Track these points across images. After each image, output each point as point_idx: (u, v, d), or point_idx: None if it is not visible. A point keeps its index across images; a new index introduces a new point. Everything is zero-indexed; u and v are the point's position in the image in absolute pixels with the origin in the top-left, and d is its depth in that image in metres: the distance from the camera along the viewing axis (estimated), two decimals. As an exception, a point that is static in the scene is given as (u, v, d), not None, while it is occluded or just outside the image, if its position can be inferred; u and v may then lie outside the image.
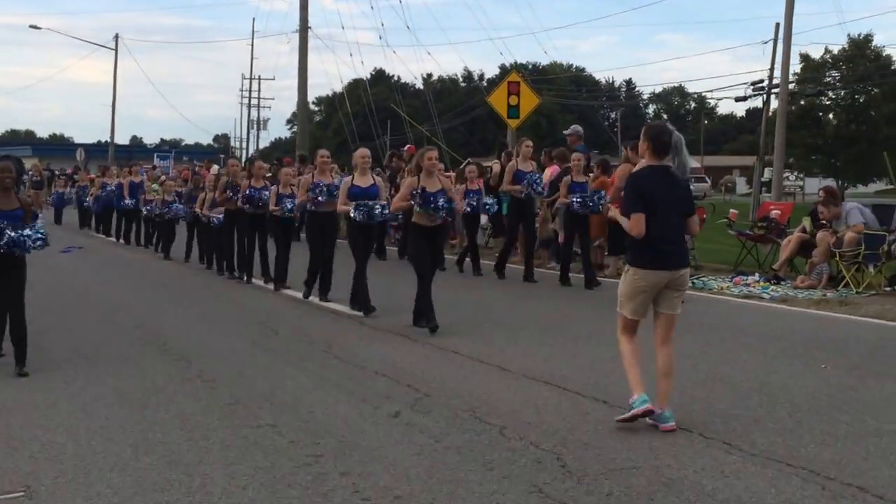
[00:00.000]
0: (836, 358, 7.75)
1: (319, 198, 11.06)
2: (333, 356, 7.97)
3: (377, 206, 10.19)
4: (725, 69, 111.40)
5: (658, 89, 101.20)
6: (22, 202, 7.40)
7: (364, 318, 9.89)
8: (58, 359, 7.80)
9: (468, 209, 13.44)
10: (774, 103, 52.71)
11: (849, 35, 51.59)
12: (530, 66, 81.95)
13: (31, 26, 51.15)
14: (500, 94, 21.18)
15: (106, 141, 63.52)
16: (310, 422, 5.81)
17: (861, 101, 52.80)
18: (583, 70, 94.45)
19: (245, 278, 13.39)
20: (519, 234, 13.91)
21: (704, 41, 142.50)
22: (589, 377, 7.00)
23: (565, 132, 15.83)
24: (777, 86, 43.86)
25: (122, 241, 21.46)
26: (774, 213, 14.39)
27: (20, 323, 7.27)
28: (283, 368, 7.50)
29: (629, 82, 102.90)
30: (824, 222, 12.79)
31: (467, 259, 14.30)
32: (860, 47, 51.73)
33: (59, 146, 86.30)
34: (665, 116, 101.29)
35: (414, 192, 8.99)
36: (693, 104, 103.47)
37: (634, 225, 5.60)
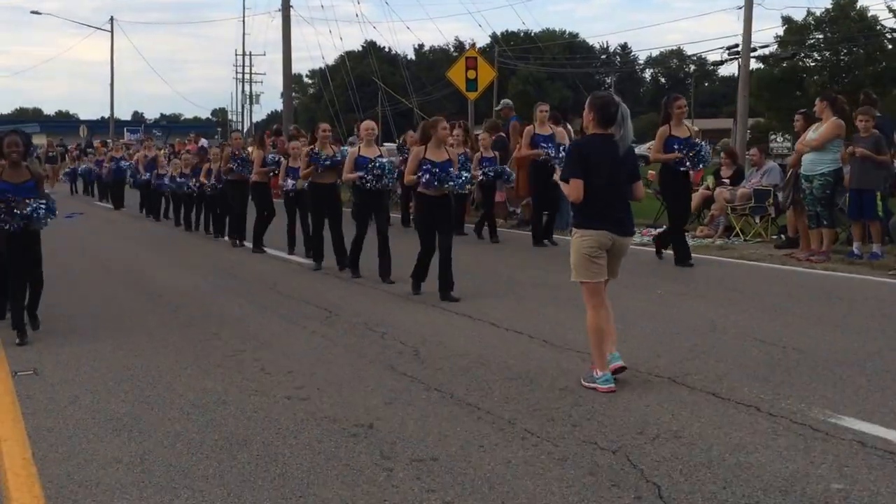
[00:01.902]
0: (670, 284, 9.85)
1: (318, 170, 11.32)
2: (277, 292, 10.13)
3: (386, 166, 10.33)
4: (730, 29, 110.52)
5: (655, 53, 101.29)
6: (33, 173, 7.71)
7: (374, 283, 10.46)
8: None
9: (483, 177, 13.93)
10: (754, 66, 54.29)
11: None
12: (521, 34, 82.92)
13: (33, 12, 53.63)
14: (458, 68, 23.14)
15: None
16: (243, 332, 7.98)
17: (844, 62, 54.12)
18: (576, 36, 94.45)
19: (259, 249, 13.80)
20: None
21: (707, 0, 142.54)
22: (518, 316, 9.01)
23: (496, 108, 17.75)
24: (753, 49, 45.53)
25: (145, 214, 22.08)
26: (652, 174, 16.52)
27: (39, 283, 8.01)
28: (234, 300, 9.66)
29: (624, 47, 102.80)
30: (725, 180, 14.80)
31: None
32: (844, 9, 53.02)
33: (65, 122, 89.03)
34: (663, 81, 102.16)
35: (421, 171, 9.09)
36: (692, 67, 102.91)
37: (573, 190, 5.84)
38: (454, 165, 9.18)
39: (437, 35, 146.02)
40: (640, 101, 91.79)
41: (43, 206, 7.57)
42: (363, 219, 10.59)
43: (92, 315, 8.99)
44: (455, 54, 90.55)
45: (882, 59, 51.82)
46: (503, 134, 16.02)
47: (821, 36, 54.82)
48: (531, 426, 5.15)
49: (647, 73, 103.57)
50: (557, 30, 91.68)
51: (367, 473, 4.54)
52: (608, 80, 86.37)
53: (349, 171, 10.44)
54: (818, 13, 54.13)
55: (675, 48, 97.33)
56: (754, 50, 45.18)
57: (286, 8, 34.04)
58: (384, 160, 10.41)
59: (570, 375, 6.21)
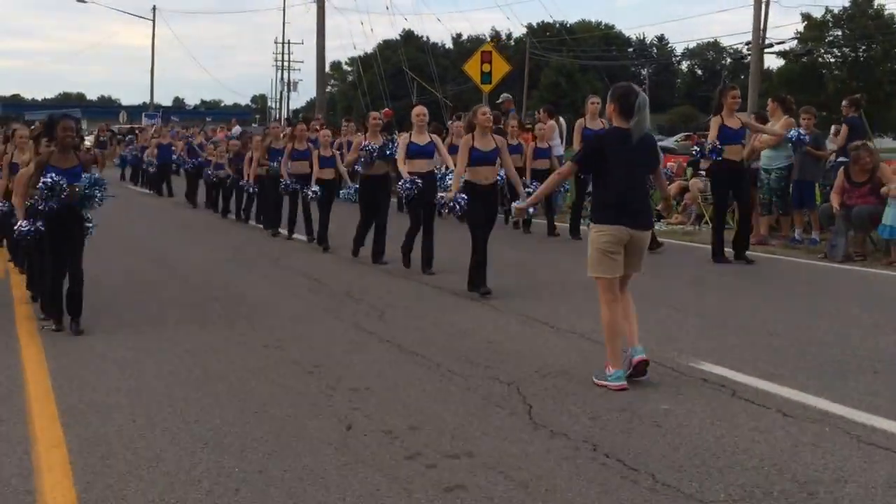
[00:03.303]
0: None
1: (361, 159, 11.16)
2: (283, 267, 11.29)
3: (376, 150, 10.73)
4: (771, 21, 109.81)
5: (692, 45, 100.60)
6: (81, 159, 7.60)
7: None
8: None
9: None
10: (773, 62, 54.50)
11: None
12: (557, 25, 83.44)
13: (79, 0, 55.06)
14: (474, 62, 24.10)
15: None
16: (241, 301, 9.14)
17: (862, 59, 54.41)
18: (612, 27, 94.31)
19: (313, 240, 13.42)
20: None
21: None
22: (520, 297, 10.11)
23: (497, 101, 18.72)
24: (770, 45, 46.01)
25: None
26: (671, 164, 17.36)
27: (79, 280, 7.51)
28: (250, 278, 10.82)
29: (661, 38, 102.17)
30: (701, 172, 15.71)
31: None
32: (861, 6, 53.29)
33: (106, 108, 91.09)
34: (699, 73, 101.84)
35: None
36: (729, 60, 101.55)
37: (566, 169, 6.29)
38: (502, 153, 9.02)
39: (475, 24, 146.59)
40: (676, 93, 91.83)
41: (97, 185, 7.45)
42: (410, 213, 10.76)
43: (112, 284, 10.12)
44: (492, 44, 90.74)
45: (899, 57, 52.10)
46: (501, 126, 16.99)
47: (839, 33, 55.06)
48: (453, 367, 6.24)
49: (684, 65, 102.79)
50: (594, 21, 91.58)
51: (311, 398, 5.64)
52: (644, 72, 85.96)
53: (402, 160, 10.31)
54: (836, 10, 54.37)
55: (711, 40, 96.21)
56: (769, 46, 45.69)
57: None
58: (375, 148, 10.78)
59: (502, 331, 7.37)
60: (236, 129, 28.38)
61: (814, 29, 54.14)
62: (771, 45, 48.41)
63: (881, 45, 52.74)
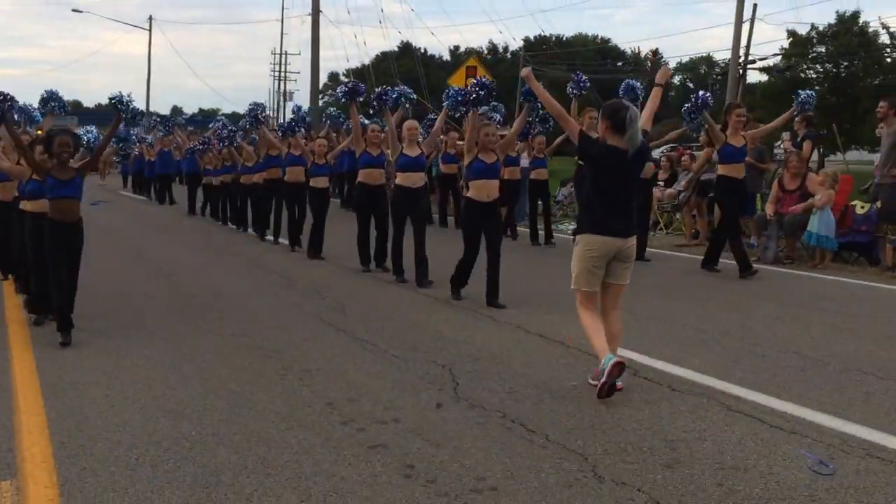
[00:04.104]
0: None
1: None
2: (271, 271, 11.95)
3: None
4: (760, 37, 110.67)
5: (685, 59, 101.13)
6: (77, 168, 7.58)
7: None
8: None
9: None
10: (757, 76, 55.24)
11: (837, 11, 54.05)
12: (553, 39, 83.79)
13: (74, 10, 55.91)
14: (459, 76, 24.97)
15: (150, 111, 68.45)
16: (217, 296, 9.81)
17: (843, 75, 55.25)
18: (608, 41, 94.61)
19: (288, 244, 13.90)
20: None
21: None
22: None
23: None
24: (752, 61, 46.91)
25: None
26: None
27: (71, 295, 7.56)
28: (224, 276, 11.47)
29: (655, 52, 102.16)
30: (660, 182, 16.45)
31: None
32: (846, 23, 54.18)
33: (103, 115, 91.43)
34: (691, 86, 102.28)
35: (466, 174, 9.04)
36: (719, 75, 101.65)
37: (573, 126, 6.09)
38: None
39: (469, 38, 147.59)
40: (669, 106, 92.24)
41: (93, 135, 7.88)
42: (394, 218, 10.64)
43: (105, 281, 10.76)
44: (488, 56, 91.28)
45: (880, 73, 52.97)
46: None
47: (822, 49, 55.93)
48: (397, 352, 6.92)
49: (677, 79, 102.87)
50: (590, 34, 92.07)
51: (267, 377, 6.30)
52: (639, 85, 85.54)
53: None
54: (821, 27, 55.24)
55: (704, 55, 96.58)
56: (752, 62, 46.59)
57: (316, 11, 35.48)
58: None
59: (449, 324, 8.04)
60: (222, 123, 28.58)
61: (798, 45, 55.03)
62: (753, 61, 49.41)
63: (863, 62, 53.59)
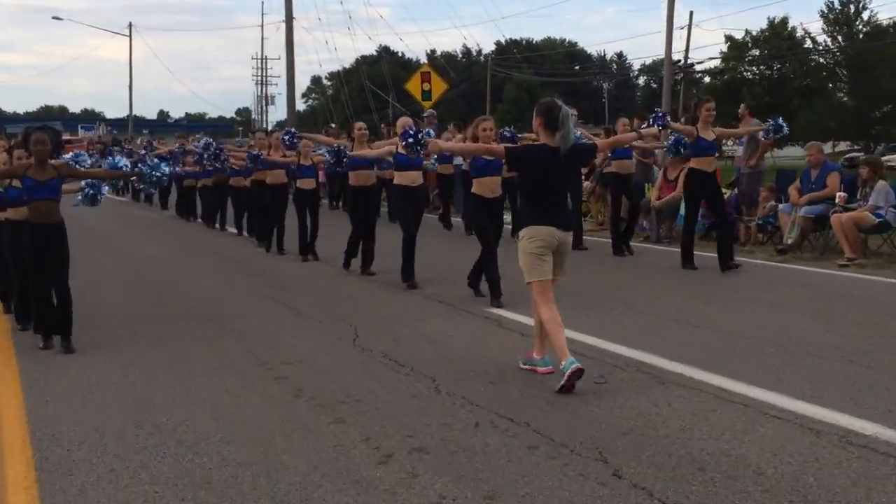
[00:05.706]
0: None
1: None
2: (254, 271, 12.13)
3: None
4: (710, 40, 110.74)
5: (648, 61, 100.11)
6: (61, 171, 6.99)
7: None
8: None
9: None
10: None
11: (768, 17, 55.04)
12: (524, 42, 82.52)
13: (54, 17, 55.16)
14: (415, 81, 25.24)
15: (134, 115, 68.02)
16: (208, 295, 10.03)
17: (776, 76, 56.35)
18: (575, 45, 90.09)
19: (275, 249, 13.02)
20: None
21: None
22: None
23: (424, 114, 19.40)
24: (691, 65, 47.57)
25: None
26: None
27: (68, 300, 6.98)
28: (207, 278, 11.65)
29: (620, 55, 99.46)
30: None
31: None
32: (776, 28, 55.26)
33: (88, 120, 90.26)
34: (655, 86, 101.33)
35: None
36: (681, 75, 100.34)
37: (498, 149, 6.40)
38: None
39: (447, 40, 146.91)
40: (635, 106, 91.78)
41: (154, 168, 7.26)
42: (401, 219, 9.86)
43: (101, 291, 10.61)
44: (463, 60, 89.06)
45: (807, 75, 54.03)
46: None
47: (756, 53, 56.96)
48: (350, 332, 7.25)
49: (641, 80, 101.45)
50: (558, 38, 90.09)
51: (231, 356, 6.60)
52: (604, 87, 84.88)
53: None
54: (755, 32, 56.31)
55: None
56: (690, 66, 47.30)
57: (289, 18, 35.22)
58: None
59: (399, 304, 8.44)
60: (205, 141, 28.34)
61: (735, 49, 56.06)
62: (692, 65, 50.19)
63: (792, 64, 54.69)
